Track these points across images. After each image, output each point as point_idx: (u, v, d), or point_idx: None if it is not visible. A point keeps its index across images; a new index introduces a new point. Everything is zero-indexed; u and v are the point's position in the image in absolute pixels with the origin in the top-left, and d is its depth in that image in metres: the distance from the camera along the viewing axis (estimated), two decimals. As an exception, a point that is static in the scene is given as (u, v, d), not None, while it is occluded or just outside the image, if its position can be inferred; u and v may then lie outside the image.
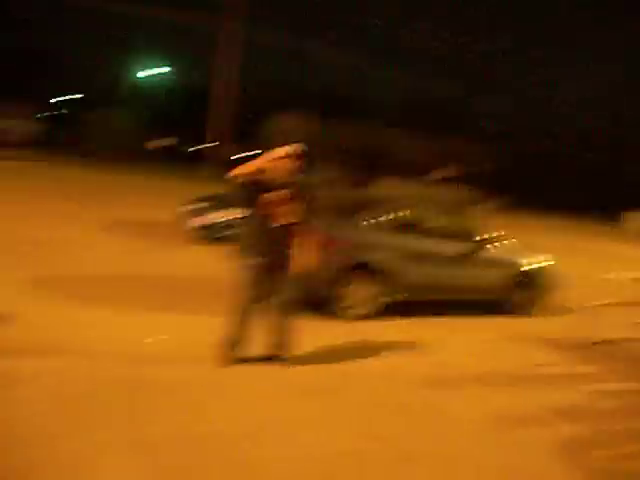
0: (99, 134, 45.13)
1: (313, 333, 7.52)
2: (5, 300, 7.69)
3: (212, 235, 13.43)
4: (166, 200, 18.43)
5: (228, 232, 12.91)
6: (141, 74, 59.18)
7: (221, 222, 13.43)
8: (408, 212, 10.05)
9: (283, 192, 6.29)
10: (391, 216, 9.76)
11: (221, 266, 9.65)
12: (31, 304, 7.70)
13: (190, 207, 14.24)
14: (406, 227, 9.90)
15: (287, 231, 6.40)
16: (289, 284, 6.44)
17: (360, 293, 9.20)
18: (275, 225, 6.34)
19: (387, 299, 9.39)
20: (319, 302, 8.91)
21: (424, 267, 9.75)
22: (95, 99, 55.19)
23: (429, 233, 10.07)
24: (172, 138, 56.78)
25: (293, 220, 6.38)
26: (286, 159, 6.21)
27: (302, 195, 6.41)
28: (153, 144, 47.39)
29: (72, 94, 60.93)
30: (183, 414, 5.27)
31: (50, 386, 5.42)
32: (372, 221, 9.52)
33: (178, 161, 47.21)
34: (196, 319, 7.93)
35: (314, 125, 58.98)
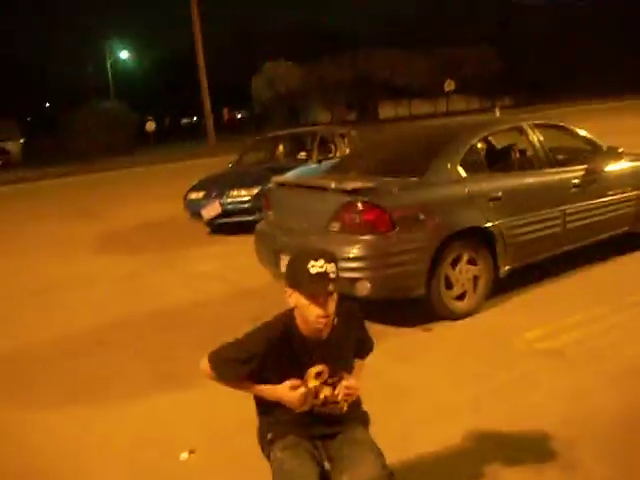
0: (88, 132, 42.23)
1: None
2: None
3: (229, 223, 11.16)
4: (172, 188, 15.28)
5: (250, 216, 10.44)
6: (121, 57, 56.52)
7: (238, 203, 11.03)
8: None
9: None
10: (478, 151, 6.58)
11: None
12: None
13: (197, 194, 11.66)
14: (504, 162, 6.74)
15: None
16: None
17: (470, 273, 6.12)
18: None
19: (505, 269, 6.32)
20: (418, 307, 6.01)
21: (547, 212, 6.61)
22: (79, 97, 52.18)
23: (538, 163, 6.89)
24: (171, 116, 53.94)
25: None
26: None
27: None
28: (149, 127, 44.27)
29: (53, 99, 58.43)
30: None
31: None
32: (449, 165, 6.28)
33: (179, 138, 44.46)
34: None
35: (302, 68, 57.00)
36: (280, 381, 2.83)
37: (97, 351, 6.23)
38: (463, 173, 6.22)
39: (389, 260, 5.75)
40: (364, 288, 5.61)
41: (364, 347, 3.16)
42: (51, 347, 6.45)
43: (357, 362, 3.12)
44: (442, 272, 5.92)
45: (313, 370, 2.81)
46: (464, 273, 6.08)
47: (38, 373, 5.84)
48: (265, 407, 3.00)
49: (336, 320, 2.86)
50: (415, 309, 6.06)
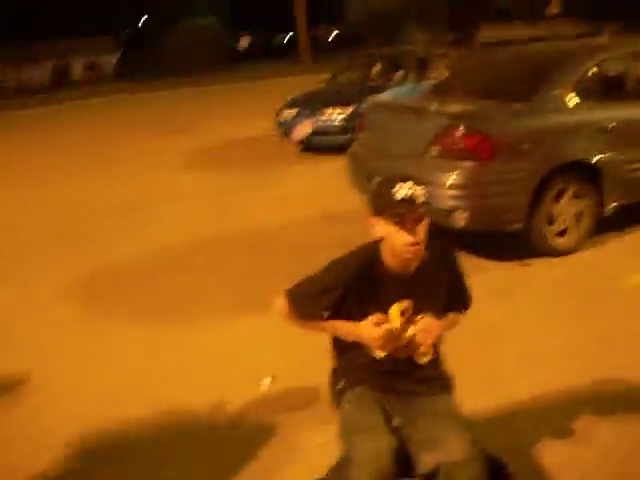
0: (182, 48, 42.25)
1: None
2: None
3: (321, 143, 10.81)
4: (264, 105, 15.10)
5: (343, 136, 10.04)
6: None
7: (331, 122, 10.73)
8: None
9: None
10: (592, 77, 6.10)
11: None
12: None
13: (289, 111, 11.42)
14: (619, 91, 6.25)
15: None
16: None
17: (573, 209, 5.75)
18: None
19: (612, 207, 5.92)
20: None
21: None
22: (175, 12, 52.10)
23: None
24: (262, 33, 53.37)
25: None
26: None
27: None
28: (243, 43, 43.93)
29: (150, 14, 58.43)
30: None
31: None
32: (560, 91, 5.84)
33: (273, 55, 44.09)
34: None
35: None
36: (361, 319, 2.61)
37: (181, 271, 6.22)
38: (574, 101, 5.80)
39: (489, 190, 5.46)
40: (461, 218, 5.34)
41: (459, 298, 2.84)
42: (136, 265, 6.49)
43: (451, 314, 2.81)
44: (544, 206, 5.59)
45: (397, 307, 2.59)
46: (567, 208, 5.73)
47: (123, 290, 5.88)
48: (341, 349, 2.79)
49: (427, 254, 2.59)
50: (514, 244, 5.76)
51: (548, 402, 3.67)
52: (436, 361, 2.80)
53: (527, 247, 5.71)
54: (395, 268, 2.60)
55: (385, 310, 2.60)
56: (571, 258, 5.70)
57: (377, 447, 2.43)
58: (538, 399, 3.70)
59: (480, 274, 5.06)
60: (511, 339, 4.43)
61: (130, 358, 4.61)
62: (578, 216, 5.79)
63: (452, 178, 5.41)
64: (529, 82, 6.03)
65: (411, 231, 2.44)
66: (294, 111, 11.24)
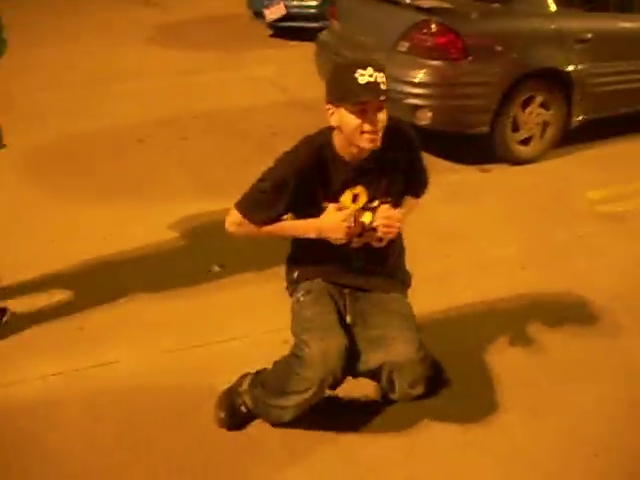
0: None
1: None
2: None
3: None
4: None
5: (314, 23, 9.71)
6: None
7: (303, 7, 10.37)
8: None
9: None
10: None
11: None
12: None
13: None
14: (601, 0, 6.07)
15: None
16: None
17: (540, 118, 5.67)
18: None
19: (578, 119, 5.86)
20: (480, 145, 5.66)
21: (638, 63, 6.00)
22: None
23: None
24: None
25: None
26: None
27: None
28: None
29: None
30: None
31: None
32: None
33: None
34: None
35: None
36: (315, 213, 2.53)
37: (137, 149, 6.04)
38: (553, 6, 5.61)
39: (456, 90, 5.35)
40: (425, 117, 5.24)
41: (417, 181, 2.74)
42: (92, 141, 6.27)
43: (409, 199, 2.74)
44: (511, 112, 5.50)
45: (350, 193, 2.53)
46: (534, 117, 5.65)
47: (77, 167, 5.69)
48: (299, 246, 2.74)
49: (384, 140, 2.45)
50: (474, 148, 5.69)
51: (497, 310, 3.70)
52: (396, 254, 2.77)
53: (489, 153, 5.65)
54: (348, 155, 2.50)
55: (337, 199, 2.53)
56: (532, 167, 5.67)
57: (327, 347, 2.42)
58: (488, 306, 3.72)
59: (438, 175, 4.98)
60: (464, 244, 4.41)
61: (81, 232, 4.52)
62: (543, 126, 5.72)
63: (419, 76, 5.27)
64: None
65: (372, 120, 2.33)
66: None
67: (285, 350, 2.63)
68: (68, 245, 4.33)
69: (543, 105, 5.65)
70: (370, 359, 2.53)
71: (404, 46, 5.42)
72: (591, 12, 5.96)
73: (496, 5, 5.59)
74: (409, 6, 5.49)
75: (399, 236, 2.73)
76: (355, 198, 2.53)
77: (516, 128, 5.60)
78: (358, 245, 2.62)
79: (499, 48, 5.36)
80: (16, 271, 3.89)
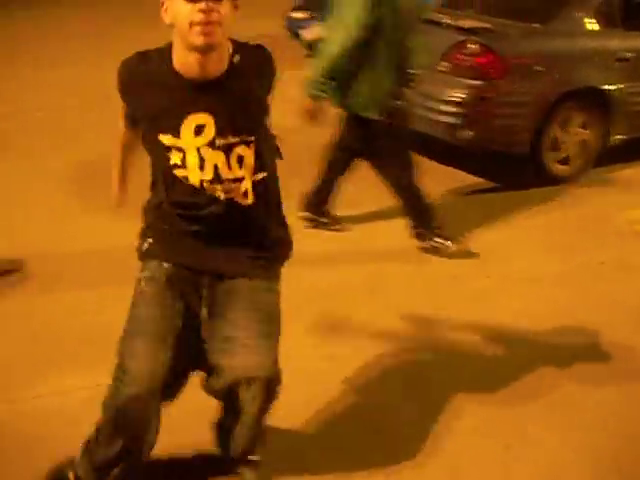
0: None
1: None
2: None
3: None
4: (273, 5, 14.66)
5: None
6: None
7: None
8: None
9: None
10: (614, 3, 5.89)
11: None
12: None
13: (299, 13, 11.04)
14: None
15: None
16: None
17: (578, 137, 5.69)
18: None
19: (617, 138, 5.88)
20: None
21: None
22: None
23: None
24: None
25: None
26: None
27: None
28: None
29: None
30: None
31: None
32: (580, 15, 5.67)
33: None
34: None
35: None
36: (154, 149, 2.15)
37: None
38: (593, 26, 5.65)
39: (496, 110, 5.38)
40: (466, 136, 5.28)
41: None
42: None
43: None
44: (550, 131, 5.52)
45: (192, 121, 2.05)
46: (573, 136, 5.66)
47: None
48: (151, 209, 2.34)
49: (236, 58, 2.12)
50: (514, 167, 5.72)
51: (533, 330, 3.70)
52: (272, 218, 2.34)
53: (527, 172, 5.67)
54: (189, 71, 2.05)
55: (177, 130, 2.07)
56: (571, 187, 5.66)
57: (149, 369, 2.15)
58: (524, 326, 3.73)
59: (479, 195, 5.08)
60: (497, 261, 4.45)
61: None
62: (582, 145, 5.73)
63: (459, 95, 5.31)
64: (550, 3, 5.87)
65: (203, 8, 1.91)
66: (305, 13, 10.92)
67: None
68: (106, 256, 4.35)
69: (582, 125, 5.68)
70: (218, 371, 2.23)
71: (444, 66, 5.47)
72: (631, 31, 5.98)
73: (536, 25, 5.63)
74: (449, 26, 5.55)
75: (272, 190, 2.35)
76: (198, 130, 2.08)
77: (555, 147, 5.62)
78: (220, 206, 2.16)
79: (539, 68, 5.39)
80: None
